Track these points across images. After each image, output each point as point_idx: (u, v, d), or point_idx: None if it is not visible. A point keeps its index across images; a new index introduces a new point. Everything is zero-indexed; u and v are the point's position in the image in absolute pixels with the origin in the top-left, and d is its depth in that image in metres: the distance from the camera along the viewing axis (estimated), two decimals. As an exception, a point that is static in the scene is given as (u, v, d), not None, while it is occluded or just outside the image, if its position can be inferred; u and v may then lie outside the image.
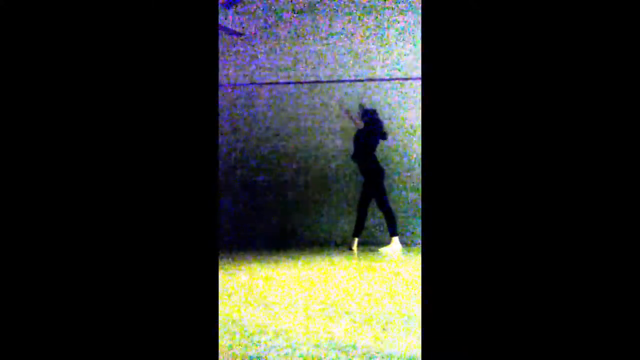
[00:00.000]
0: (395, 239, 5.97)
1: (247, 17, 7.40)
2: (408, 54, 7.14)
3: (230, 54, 7.35)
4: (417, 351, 1.93)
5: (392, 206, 6.13)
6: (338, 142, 7.26)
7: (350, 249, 6.04)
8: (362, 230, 6.11)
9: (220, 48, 7.01)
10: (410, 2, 7.09)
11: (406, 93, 7.08)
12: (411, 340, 2.10)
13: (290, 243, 6.91)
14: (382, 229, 6.48)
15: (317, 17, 7.35)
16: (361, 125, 6.11)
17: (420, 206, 6.37)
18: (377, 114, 6.16)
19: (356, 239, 6.09)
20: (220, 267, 3.47)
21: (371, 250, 6.00)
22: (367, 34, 7.27)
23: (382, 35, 7.25)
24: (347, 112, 6.35)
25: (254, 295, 3.25)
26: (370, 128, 6.07)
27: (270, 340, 2.15)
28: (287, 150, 7.35)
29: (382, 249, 5.95)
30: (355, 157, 6.15)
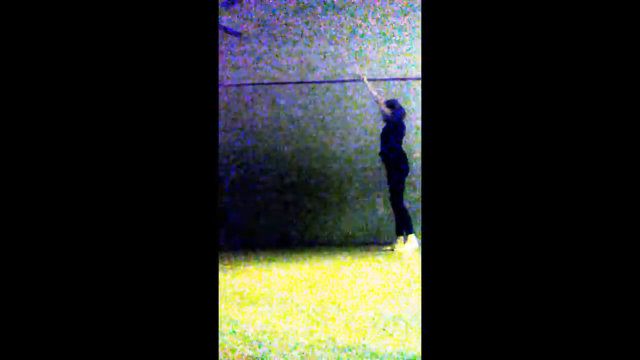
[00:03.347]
0: (401, 239, 5.95)
1: (247, 17, 7.39)
2: (408, 54, 7.13)
3: (230, 54, 7.35)
4: (417, 351, 1.93)
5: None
6: (339, 142, 7.26)
7: (413, 247, 5.90)
8: (411, 224, 5.96)
9: (220, 48, 7.01)
10: (410, 1, 7.09)
11: (406, 93, 7.08)
12: (411, 340, 2.10)
13: (291, 243, 6.90)
14: (385, 228, 6.48)
15: (317, 17, 7.34)
16: (389, 113, 6.01)
17: (420, 206, 6.37)
18: (398, 103, 6.14)
19: (411, 235, 5.92)
20: (220, 267, 3.47)
21: (373, 250, 6.00)
22: (367, 34, 7.27)
23: (382, 35, 7.24)
24: (377, 101, 6.15)
25: (254, 295, 3.25)
26: (396, 120, 6.03)
27: (270, 340, 2.14)
28: (287, 150, 7.35)
29: (400, 249, 5.90)
30: (382, 153, 6.09)
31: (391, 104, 6.10)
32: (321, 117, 7.29)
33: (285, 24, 7.35)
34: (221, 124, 7.14)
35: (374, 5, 7.25)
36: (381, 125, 6.20)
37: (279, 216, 7.30)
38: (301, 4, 7.34)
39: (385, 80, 7.15)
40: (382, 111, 6.03)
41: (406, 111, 6.15)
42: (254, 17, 7.38)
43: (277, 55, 7.35)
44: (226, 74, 7.26)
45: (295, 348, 2.02)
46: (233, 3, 6.67)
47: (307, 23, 7.34)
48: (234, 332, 2.28)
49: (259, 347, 2.05)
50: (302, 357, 1.91)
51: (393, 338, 2.14)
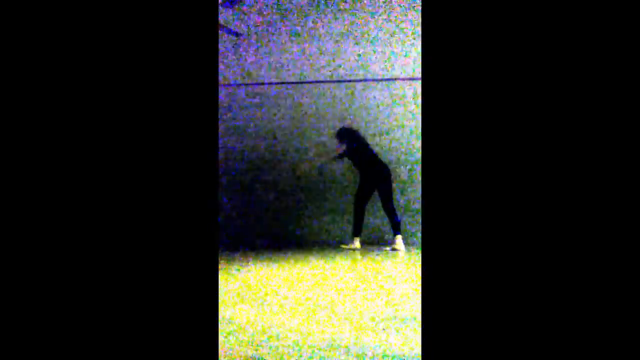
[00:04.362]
0: (399, 237, 6.07)
1: (247, 17, 7.39)
2: (408, 54, 7.13)
3: (230, 54, 7.35)
4: (417, 351, 1.93)
5: (394, 206, 6.25)
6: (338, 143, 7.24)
7: (353, 248, 6.15)
8: (360, 228, 6.27)
9: (220, 48, 7.01)
10: (410, 2, 7.09)
11: (406, 93, 7.08)
12: (411, 340, 2.10)
13: (290, 243, 6.90)
14: (385, 229, 6.51)
15: (317, 17, 7.35)
16: (342, 149, 6.19)
17: (420, 206, 6.38)
18: (348, 129, 6.28)
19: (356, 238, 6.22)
20: (220, 267, 3.48)
21: (372, 250, 6.00)
22: (367, 34, 7.27)
23: (382, 35, 7.24)
24: (333, 160, 6.38)
25: (254, 295, 3.25)
26: (355, 143, 6.16)
27: (270, 340, 2.15)
28: (287, 150, 7.35)
29: (388, 248, 6.05)
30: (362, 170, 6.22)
31: (341, 134, 6.24)
32: (321, 117, 7.28)
33: (285, 24, 7.35)
34: (221, 124, 7.13)
35: (373, 5, 7.25)
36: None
37: (279, 216, 7.30)
38: (301, 4, 7.34)
39: (385, 80, 7.15)
40: (341, 154, 6.23)
41: (354, 129, 6.30)
42: (253, 17, 7.38)
43: (276, 55, 7.35)
44: (226, 74, 7.25)
45: (295, 348, 2.02)
46: (233, 3, 6.67)
47: (306, 23, 7.33)
48: (234, 332, 2.28)
49: (259, 347, 2.05)
50: (301, 357, 1.91)
51: (393, 338, 2.14)
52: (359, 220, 6.21)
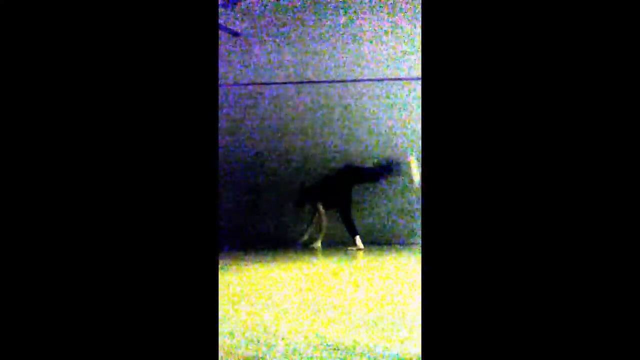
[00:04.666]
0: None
1: (247, 17, 7.39)
2: (408, 54, 7.13)
3: (230, 54, 7.35)
4: (417, 351, 1.93)
5: (392, 206, 6.40)
6: (338, 143, 7.26)
7: (358, 249, 6.33)
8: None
9: (220, 48, 7.01)
10: (410, 2, 7.09)
11: (406, 93, 7.08)
12: (411, 340, 2.10)
13: (290, 243, 6.90)
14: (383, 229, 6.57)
15: (318, 17, 7.34)
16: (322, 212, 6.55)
17: (419, 206, 6.40)
18: (308, 190, 6.72)
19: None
20: (220, 267, 3.47)
21: (372, 250, 6.01)
22: (367, 34, 7.27)
23: (382, 35, 7.24)
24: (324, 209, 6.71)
25: (254, 295, 3.25)
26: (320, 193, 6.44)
27: (270, 340, 2.15)
28: (287, 150, 7.35)
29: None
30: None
31: (306, 197, 6.67)
32: (321, 117, 7.29)
33: (285, 24, 7.35)
34: (221, 124, 7.14)
35: (374, 5, 7.25)
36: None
37: (279, 216, 7.30)
38: (301, 4, 7.34)
39: (385, 80, 7.15)
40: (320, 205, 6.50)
41: (311, 186, 6.66)
42: (253, 17, 7.38)
43: (277, 55, 7.35)
44: (226, 74, 7.25)
45: (295, 348, 2.02)
46: (233, 3, 6.68)
47: (306, 23, 7.34)
48: (234, 332, 2.28)
49: (259, 347, 2.05)
50: (301, 358, 1.91)
51: (393, 338, 2.14)
52: (350, 223, 6.43)
